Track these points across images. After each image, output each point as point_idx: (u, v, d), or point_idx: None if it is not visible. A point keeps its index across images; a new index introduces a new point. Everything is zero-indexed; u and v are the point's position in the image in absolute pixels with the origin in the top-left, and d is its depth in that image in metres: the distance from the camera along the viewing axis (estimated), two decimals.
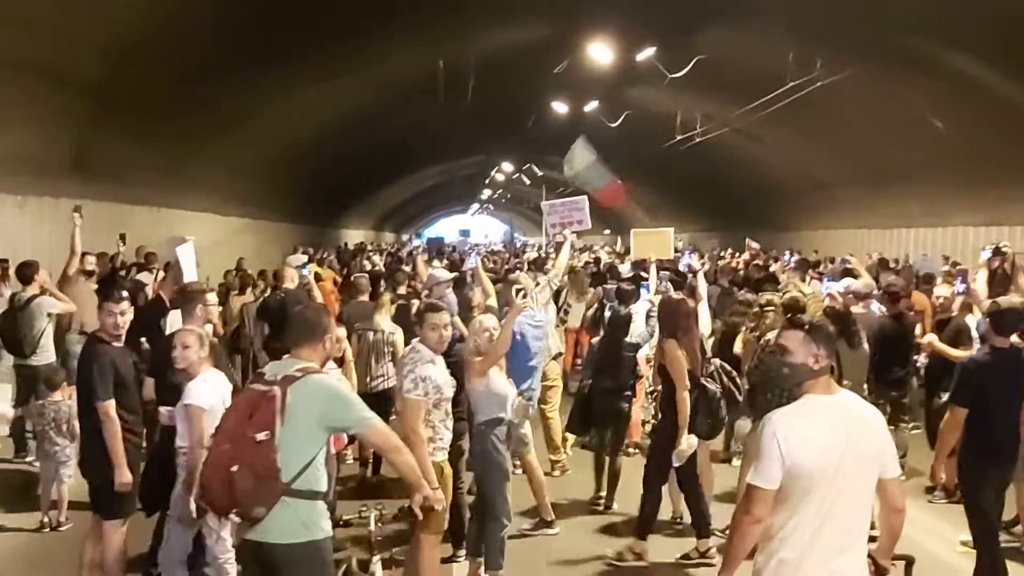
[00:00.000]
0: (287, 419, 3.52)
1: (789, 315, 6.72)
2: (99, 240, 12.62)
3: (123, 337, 5.50)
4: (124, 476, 5.19)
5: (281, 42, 13.62)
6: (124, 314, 5.43)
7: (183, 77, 13.04)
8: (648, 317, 8.96)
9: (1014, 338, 5.49)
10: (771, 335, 7.05)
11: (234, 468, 3.44)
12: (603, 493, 7.69)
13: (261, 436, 3.47)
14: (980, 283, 6.90)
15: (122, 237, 11.89)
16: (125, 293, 5.67)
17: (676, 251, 12.88)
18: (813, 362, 3.38)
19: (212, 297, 6.20)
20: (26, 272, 8.83)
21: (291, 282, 9.59)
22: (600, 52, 16.68)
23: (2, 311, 8.81)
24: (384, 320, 8.12)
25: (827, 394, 3.37)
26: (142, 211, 15.28)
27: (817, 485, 3.22)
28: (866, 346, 7.07)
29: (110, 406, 5.18)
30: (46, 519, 6.82)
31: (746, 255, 17.59)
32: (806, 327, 3.48)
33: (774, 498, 3.28)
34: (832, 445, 3.23)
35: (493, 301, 8.39)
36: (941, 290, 8.69)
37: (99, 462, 5.27)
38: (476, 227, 73.55)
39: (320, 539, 3.64)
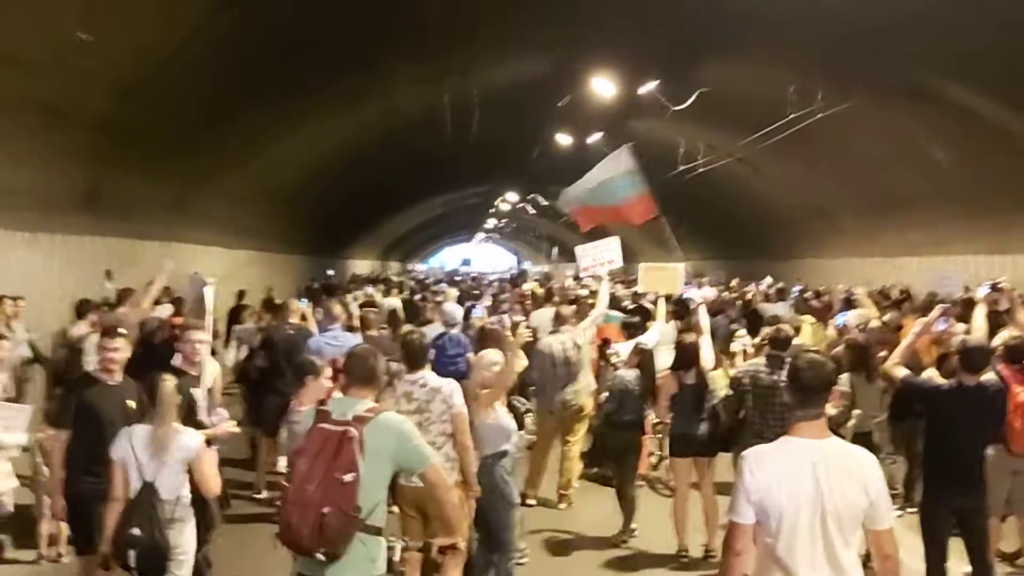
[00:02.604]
0: (365, 458, 3.67)
1: (772, 348, 6.88)
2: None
3: (116, 373, 5.60)
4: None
5: (287, 76, 13.82)
6: (118, 350, 5.57)
7: (189, 112, 13.22)
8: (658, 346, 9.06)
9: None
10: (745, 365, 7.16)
11: (326, 509, 3.57)
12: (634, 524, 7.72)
13: (348, 477, 3.61)
14: (979, 319, 6.97)
15: (107, 273, 11.97)
16: (123, 331, 5.80)
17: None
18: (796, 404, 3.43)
19: (200, 335, 6.27)
20: (83, 309, 9.37)
21: (295, 316, 9.70)
22: (603, 85, 16.86)
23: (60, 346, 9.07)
24: None
25: (811, 438, 3.36)
26: (151, 246, 15.41)
27: (788, 525, 3.27)
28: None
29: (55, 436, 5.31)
30: (45, 552, 6.83)
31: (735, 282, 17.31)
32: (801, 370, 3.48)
33: (759, 532, 3.34)
34: (799, 489, 3.26)
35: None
36: (941, 325, 8.55)
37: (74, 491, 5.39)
38: (480, 256, 73.84)
39: (384, 574, 3.83)
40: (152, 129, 12.74)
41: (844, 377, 6.90)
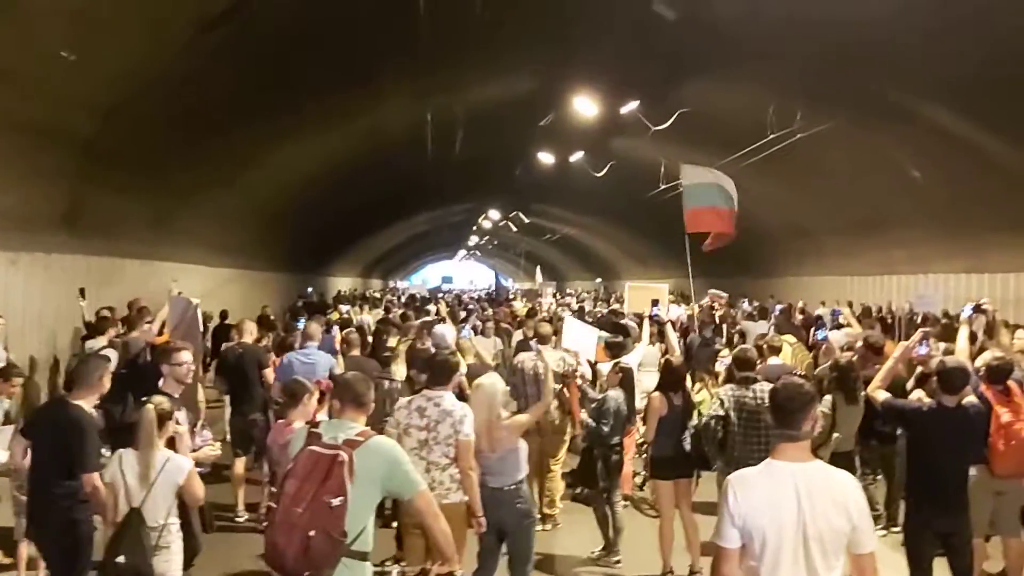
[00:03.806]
0: (354, 483, 3.67)
1: (740, 369, 6.92)
2: (90, 294, 12.69)
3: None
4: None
5: (270, 95, 13.83)
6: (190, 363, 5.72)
7: (172, 131, 13.19)
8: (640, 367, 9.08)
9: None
10: (720, 390, 7.19)
11: (312, 532, 3.56)
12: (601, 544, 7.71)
13: (336, 501, 3.61)
14: (962, 340, 7.02)
15: (81, 292, 11.89)
16: (108, 354, 5.83)
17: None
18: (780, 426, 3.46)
19: (185, 355, 6.23)
20: (102, 325, 9.68)
21: (249, 335, 9.65)
22: (585, 105, 17.00)
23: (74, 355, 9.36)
24: (399, 369, 8.26)
25: (794, 461, 3.37)
26: (133, 264, 15.32)
27: (772, 549, 3.28)
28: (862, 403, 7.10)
29: (96, 477, 5.11)
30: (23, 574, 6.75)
31: (705, 301, 17.23)
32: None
33: (744, 556, 3.35)
34: (783, 512, 3.27)
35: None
36: (922, 349, 8.51)
37: (48, 520, 5.33)
38: (461, 273, 73.84)
39: None
40: (133, 148, 12.70)
41: (827, 399, 6.96)
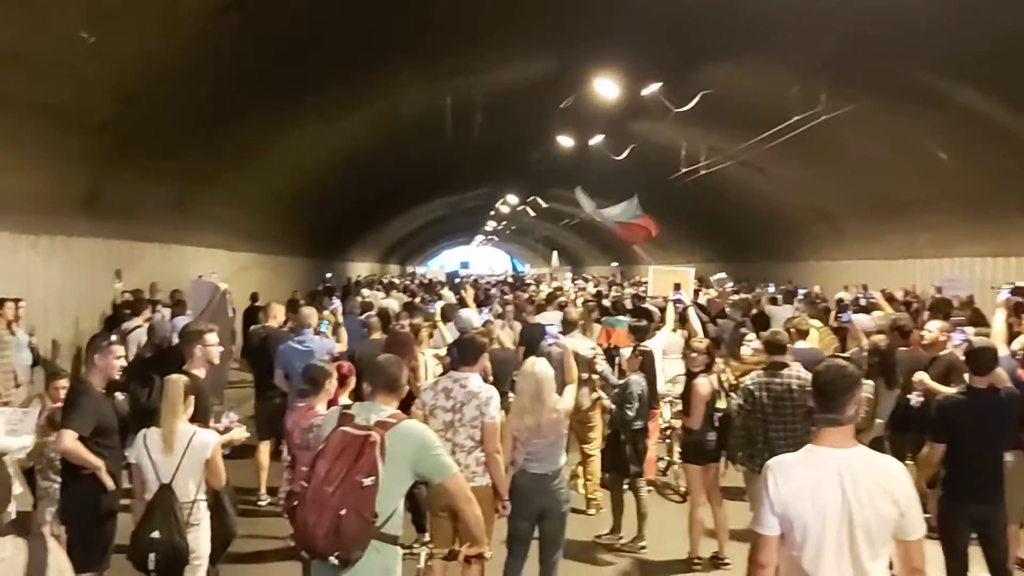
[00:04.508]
0: (385, 464, 3.64)
1: (770, 353, 6.80)
2: (111, 278, 12.73)
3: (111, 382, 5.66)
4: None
5: (288, 78, 13.75)
6: (119, 357, 5.64)
7: (191, 115, 13.16)
8: (664, 354, 8.98)
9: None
10: (747, 378, 7.08)
11: (343, 511, 3.54)
12: (622, 531, 7.66)
13: (367, 481, 3.59)
14: (999, 323, 6.88)
15: (117, 273, 11.94)
16: (114, 338, 5.85)
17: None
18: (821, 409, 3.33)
19: (212, 337, 6.21)
20: (138, 306, 10.12)
21: (274, 319, 9.62)
22: (606, 87, 16.82)
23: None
24: (427, 353, 8.21)
25: (837, 447, 3.25)
26: (152, 248, 15.35)
27: (814, 536, 3.18)
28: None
29: (70, 434, 5.19)
30: None
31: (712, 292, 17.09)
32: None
33: (784, 544, 3.26)
34: (826, 499, 3.17)
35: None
36: (934, 326, 8.06)
37: (74, 507, 5.35)
38: (479, 258, 73.77)
39: None
40: (154, 132, 12.67)
41: (868, 383, 6.81)
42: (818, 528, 3.19)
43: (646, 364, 7.88)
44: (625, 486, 7.67)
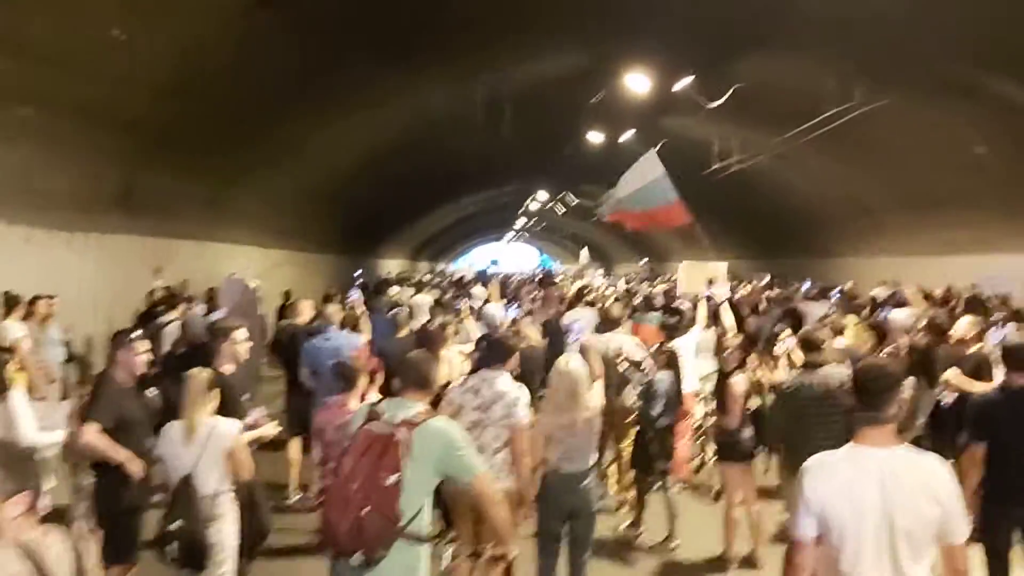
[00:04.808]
0: (409, 463, 3.59)
1: (806, 352, 6.66)
2: (145, 275, 12.81)
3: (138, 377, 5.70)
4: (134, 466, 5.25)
5: (320, 75, 13.78)
6: (142, 352, 5.68)
7: (224, 112, 13.23)
8: (697, 351, 8.87)
9: None
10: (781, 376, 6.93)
11: (365, 510, 3.51)
12: (644, 527, 7.61)
13: (391, 480, 3.55)
14: None
15: (158, 269, 12.04)
16: (138, 333, 5.93)
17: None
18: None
19: (240, 334, 6.19)
20: (174, 301, 10.34)
21: (301, 315, 9.61)
22: (637, 82, 16.66)
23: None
24: (451, 350, 8.17)
25: (878, 446, 3.16)
26: (187, 245, 15.46)
27: (852, 538, 3.08)
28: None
29: (91, 427, 5.20)
30: None
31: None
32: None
33: (823, 546, 3.16)
34: (865, 500, 3.07)
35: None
36: (964, 322, 7.88)
37: (105, 501, 5.37)
38: (509, 255, 73.61)
39: None
40: (188, 129, 12.76)
41: (909, 381, 6.65)
42: (857, 530, 3.09)
43: (671, 362, 7.77)
44: (656, 487, 7.57)
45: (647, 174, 13.65)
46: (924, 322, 8.15)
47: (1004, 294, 12.58)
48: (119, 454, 5.25)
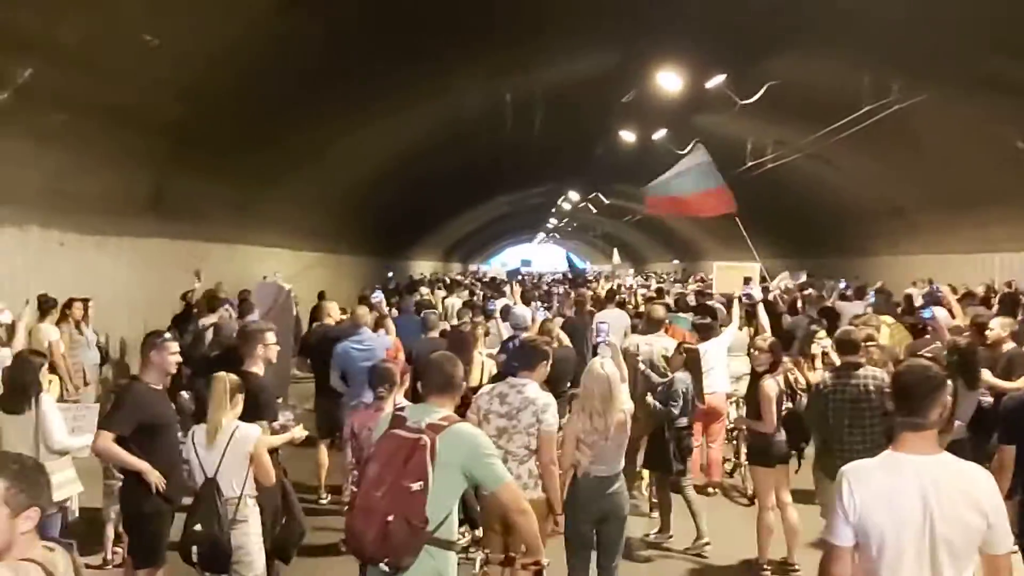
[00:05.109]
0: (435, 468, 3.52)
1: (842, 353, 6.51)
2: (177, 278, 12.88)
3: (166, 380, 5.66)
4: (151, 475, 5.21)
5: (350, 77, 13.80)
6: (174, 353, 5.61)
7: (254, 115, 13.28)
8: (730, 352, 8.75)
9: None
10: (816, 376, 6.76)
11: (390, 518, 3.44)
12: (671, 532, 7.51)
13: (416, 486, 3.47)
14: None
15: (197, 273, 12.13)
16: (168, 335, 5.87)
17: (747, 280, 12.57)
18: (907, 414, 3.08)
19: (270, 336, 6.17)
20: (213, 304, 10.55)
21: (329, 317, 9.59)
22: (669, 80, 16.52)
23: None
24: (483, 352, 8.13)
25: (919, 453, 3.02)
26: (218, 248, 15.54)
27: (891, 548, 2.95)
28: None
29: (105, 436, 5.17)
30: (110, 556, 6.81)
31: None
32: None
33: (860, 555, 3.04)
34: (905, 508, 2.94)
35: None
36: (996, 323, 7.78)
37: (132, 504, 5.35)
38: (540, 255, 73.43)
39: None
40: (218, 132, 12.83)
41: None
42: (896, 539, 2.96)
43: (690, 362, 7.67)
44: (675, 488, 7.46)
45: (692, 161, 13.47)
46: (967, 321, 7.95)
47: None
48: (134, 463, 5.21)
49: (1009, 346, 7.40)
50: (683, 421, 7.38)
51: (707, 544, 7.25)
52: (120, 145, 11.08)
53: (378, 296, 11.48)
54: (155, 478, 5.19)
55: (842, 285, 17.11)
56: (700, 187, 13.24)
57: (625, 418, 5.40)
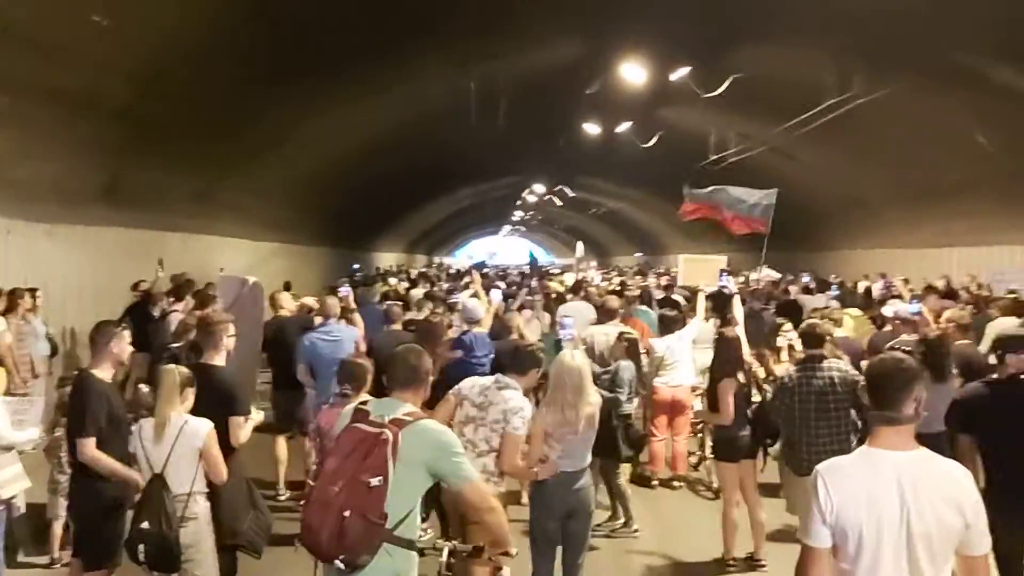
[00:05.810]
0: (397, 464, 3.40)
1: (806, 345, 6.47)
2: (131, 268, 12.56)
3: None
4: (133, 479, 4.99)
5: (311, 64, 13.53)
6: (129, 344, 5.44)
7: (212, 101, 12.99)
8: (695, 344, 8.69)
9: None
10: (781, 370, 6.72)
11: (347, 513, 3.31)
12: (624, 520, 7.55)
13: (375, 481, 3.35)
14: None
15: (160, 263, 11.85)
16: (123, 324, 5.65)
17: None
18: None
19: (231, 328, 5.96)
20: (181, 292, 10.72)
21: (283, 308, 9.37)
22: (633, 72, 16.45)
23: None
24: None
25: (895, 449, 2.93)
26: (174, 237, 15.21)
27: (870, 549, 2.87)
28: (955, 382, 6.50)
29: (90, 443, 4.96)
30: (57, 555, 6.59)
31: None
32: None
33: (836, 555, 2.95)
34: (883, 507, 2.85)
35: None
36: (951, 314, 7.90)
37: (83, 502, 5.14)
38: (506, 248, 73.32)
39: None
40: (175, 119, 12.51)
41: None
42: (874, 539, 2.87)
43: (631, 350, 7.72)
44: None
45: (762, 198, 13.83)
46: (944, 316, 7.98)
47: (1014, 289, 12.39)
48: (122, 473, 5.00)
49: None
50: (628, 408, 7.38)
51: (636, 531, 7.39)
52: (69, 130, 10.71)
53: (345, 291, 11.24)
54: (135, 478, 4.99)
55: (805, 279, 17.26)
56: (746, 213, 13.28)
57: (594, 411, 5.29)
